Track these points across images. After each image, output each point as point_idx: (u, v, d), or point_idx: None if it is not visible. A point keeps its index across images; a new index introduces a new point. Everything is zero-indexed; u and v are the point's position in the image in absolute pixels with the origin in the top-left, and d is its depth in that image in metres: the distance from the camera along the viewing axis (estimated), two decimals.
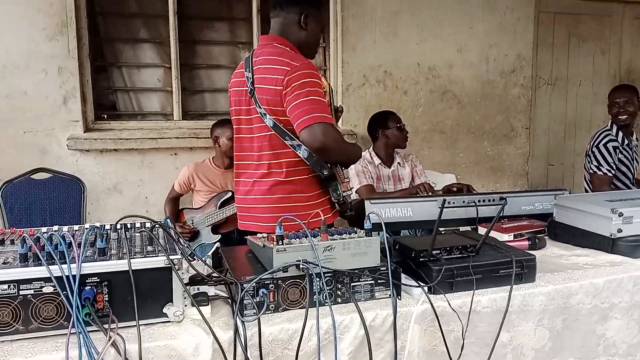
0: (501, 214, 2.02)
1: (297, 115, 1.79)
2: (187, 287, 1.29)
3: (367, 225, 1.43)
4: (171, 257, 1.22)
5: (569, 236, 1.99)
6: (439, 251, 1.51)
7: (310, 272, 1.31)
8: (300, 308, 1.34)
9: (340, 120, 3.87)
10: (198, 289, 1.36)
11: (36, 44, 3.31)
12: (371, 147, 3.43)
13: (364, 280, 1.40)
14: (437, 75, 4.10)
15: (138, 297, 1.19)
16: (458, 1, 4.08)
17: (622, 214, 1.80)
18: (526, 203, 2.30)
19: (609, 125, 3.33)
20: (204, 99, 3.88)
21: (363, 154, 3.38)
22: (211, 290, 1.38)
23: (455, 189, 2.91)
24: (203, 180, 3.21)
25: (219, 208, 3.07)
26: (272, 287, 1.31)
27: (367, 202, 2.11)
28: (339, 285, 1.37)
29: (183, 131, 3.64)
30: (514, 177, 4.43)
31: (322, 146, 1.80)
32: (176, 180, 3.28)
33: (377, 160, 3.34)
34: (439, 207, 1.54)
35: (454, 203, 2.19)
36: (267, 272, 1.29)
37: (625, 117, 3.24)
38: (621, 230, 1.81)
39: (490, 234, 2.00)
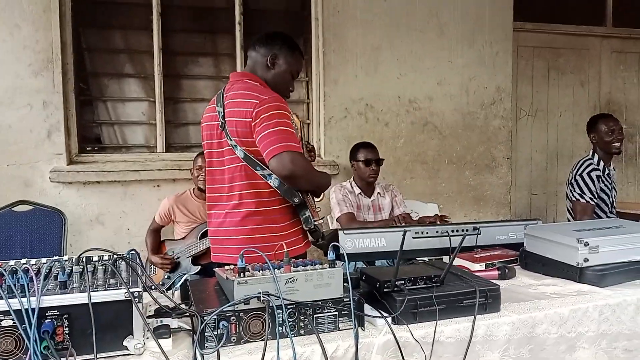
0: (466, 244, 2.06)
1: (266, 145, 1.84)
2: (149, 320, 1.29)
3: (330, 256, 1.45)
4: (131, 289, 1.23)
5: (538, 266, 2.01)
6: (403, 281, 1.53)
7: (271, 305, 1.32)
8: (262, 340, 1.33)
9: (323, 151, 3.93)
10: (161, 321, 1.36)
11: (22, 79, 3.37)
12: (352, 177, 3.47)
13: (327, 312, 1.41)
14: (417, 107, 4.17)
15: (99, 329, 1.19)
16: (437, 36, 4.19)
17: (588, 244, 1.83)
18: (500, 233, 2.32)
19: (591, 154, 3.33)
20: (188, 131, 3.93)
21: (344, 183, 3.43)
22: (175, 323, 1.38)
23: (428, 222, 2.96)
24: (183, 211, 3.22)
25: (200, 239, 3.07)
26: (233, 319, 1.32)
27: (340, 233, 2.13)
28: (302, 317, 1.38)
29: (166, 163, 3.68)
30: (497, 206, 4.47)
31: (290, 174, 1.84)
32: (157, 212, 3.29)
33: (357, 190, 3.38)
34: (405, 238, 1.56)
35: (427, 233, 2.22)
36: (227, 305, 1.30)
37: (620, 144, 3.25)
38: (587, 260, 1.83)
39: (462, 264, 2.04)
